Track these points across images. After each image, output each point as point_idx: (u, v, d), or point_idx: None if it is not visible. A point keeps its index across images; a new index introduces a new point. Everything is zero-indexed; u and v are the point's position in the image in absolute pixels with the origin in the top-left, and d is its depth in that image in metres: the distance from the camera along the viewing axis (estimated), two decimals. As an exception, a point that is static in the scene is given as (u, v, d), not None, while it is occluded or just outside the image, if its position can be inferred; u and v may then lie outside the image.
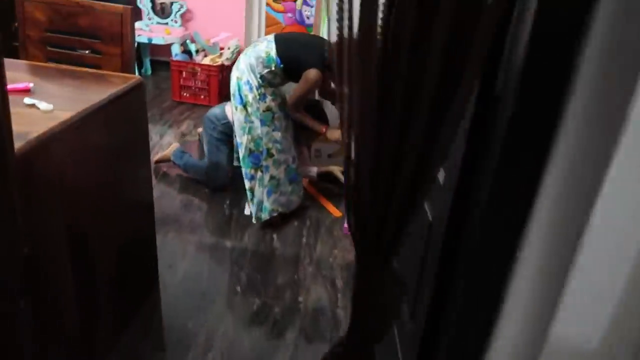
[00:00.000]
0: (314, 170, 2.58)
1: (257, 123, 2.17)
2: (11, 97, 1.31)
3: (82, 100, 1.29)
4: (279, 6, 4.24)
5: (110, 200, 1.44)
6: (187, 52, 3.90)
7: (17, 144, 1.04)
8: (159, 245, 2.04)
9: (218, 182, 2.53)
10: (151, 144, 3.01)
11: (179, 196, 2.52)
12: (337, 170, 2.59)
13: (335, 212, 2.47)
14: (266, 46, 2.16)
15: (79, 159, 1.25)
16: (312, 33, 4.03)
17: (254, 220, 2.26)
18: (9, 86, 1.33)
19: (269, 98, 2.18)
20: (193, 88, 3.68)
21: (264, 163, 2.21)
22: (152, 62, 4.29)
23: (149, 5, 3.98)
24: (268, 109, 2.18)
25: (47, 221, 1.15)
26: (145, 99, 1.58)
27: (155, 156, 2.85)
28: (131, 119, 1.52)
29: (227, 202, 2.47)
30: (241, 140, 2.21)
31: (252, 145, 2.19)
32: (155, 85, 4.08)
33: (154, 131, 3.22)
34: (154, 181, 2.63)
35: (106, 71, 1.54)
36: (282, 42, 2.18)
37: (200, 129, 3.05)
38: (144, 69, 4.25)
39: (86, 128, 1.26)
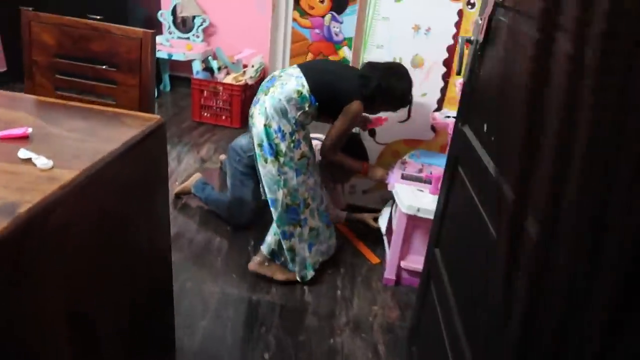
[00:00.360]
0: (342, 216, 2.32)
1: (291, 174, 1.85)
2: (5, 148, 1.07)
3: (90, 152, 1.05)
4: (306, 22, 4.02)
5: (121, 261, 1.19)
6: (208, 69, 3.69)
7: (2, 222, 0.80)
8: (175, 298, 1.79)
9: (241, 219, 2.28)
10: (169, 170, 2.79)
11: (198, 234, 2.27)
12: (369, 218, 2.31)
13: (373, 257, 2.19)
14: (296, 84, 1.84)
15: (84, 224, 1.01)
16: (351, 55, 3.80)
17: (298, 279, 1.97)
18: (4, 132, 1.10)
19: (302, 143, 1.87)
20: (214, 108, 3.45)
21: (302, 216, 1.91)
22: (172, 78, 4.09)
23: (170, 18, 3.79)
24: (303, 156, 1.87)
25: (42, 312, 0.90)
26: (166, 141, 1.34)
27: (174, 185, 2.63)
28: (149, 165, 1.27)
29: (252, 243, 2.22)
30: (275, 196, 1.87)
31: (288, 200, 1.87)
32: (174, 103, 3.87)
33: (172, 155, 2.99)
34: (172, 213, 2.40)
35: (122, 110, 1.30)
36: (313, 75, 1.87)
37: (222, 156, 2.82)
38: (162, 84, 4.05)
39: (94, 186, 1.02)
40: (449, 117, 2.08)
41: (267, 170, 1.85)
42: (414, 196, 1.85)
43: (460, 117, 1.31)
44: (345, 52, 4.06)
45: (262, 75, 3.75)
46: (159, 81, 3.99)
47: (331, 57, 4.08)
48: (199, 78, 3.44)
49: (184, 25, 3.92)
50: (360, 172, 2.07)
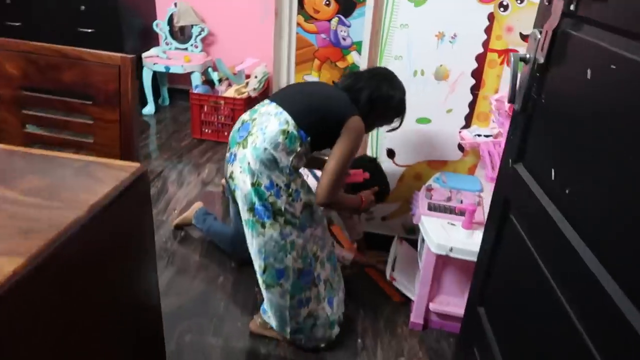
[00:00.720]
0: (349, 258, 2.03)
1: (296, 232, 1.50)
2: None
3: (46, 225, 0.81)
4: (312, 26, 3.77)
5: (97, 333, 0.96)
6: (208, 81, 3.46)
7: None
8: (172, 355, 1.57)
9: (246, 254, 1.99)
10: (167, 197, 2.57)
11: (199, 273, 2.03)
12: (378, 263, 2.04)
13: (396, 295, 1.94)
14: (278, 123, 1.46)
15: (39, 310, 0.78)
16: (361, 62, 3.53)
17: (323, 345, 1.65)
18: None
19: (301, 192, 1.51)
20: (216, 124, 3.22)
21: (315, 273, 1.59)
22: (170, 91, 3.87)
23: (167, 29, 3.56)
24: (305, 207, 1.52)
25: None
26: (149, 192, 1.11)
27: (173, 214, 2.40)
28: (127, 225, 1.04)
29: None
30: (284, 264, 1.51)
31: (299, 264, 1.54)
32: (173, 119, 3.65)
33: (171, 178, 2.76)
34: (170, 248, 2.18)
35: (94, 157, 1.06)
36: (293, 104, 1.50)
37: (224, 180, 2.60)
38: (161, 98, 3.83)
39: (48, 271, 0.78)
40: (479, 135, 1.82)
41: (267, 237, 1.49)
42: (444, 232, 1.60)
43: (512, 153, 1.06)
44: (354, 57, 3.81)
45: (267, 85, 3.52)
46: (157, 94, 3.77)
47: (339, 63, 3.84)
48: (198, 92, 3.21)
49: (182, 33, 3.69)
50: (359, 208, 1.72)
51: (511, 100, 0.99)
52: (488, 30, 1.74)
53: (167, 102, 3.85)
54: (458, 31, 1.76)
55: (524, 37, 1.73)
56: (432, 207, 1.71)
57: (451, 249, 1.55)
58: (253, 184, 1.46)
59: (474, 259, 1.54)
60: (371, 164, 1.91)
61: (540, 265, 0.92)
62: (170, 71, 3.45)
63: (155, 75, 3.59)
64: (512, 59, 0.97)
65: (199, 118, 3.21)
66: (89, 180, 0.97)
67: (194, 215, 2.24)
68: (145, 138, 3.32)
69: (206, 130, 3.25)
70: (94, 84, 1.25)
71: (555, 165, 0.86)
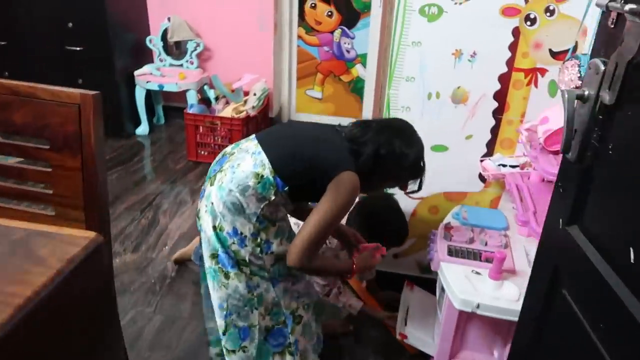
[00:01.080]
0: (356, 307, 1.74)
1: (265, 285, 1.29)
2: None
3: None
4: (313, 39, 3.57)
5: None
6: (204, 99, 3.27)
7: None
8: None
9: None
10: (158, 229, 2.37)
11: (191, 321, 1.82)
12: (386, 318, 1.79)
13: (410, 346, 1.72)
14: (253, 164, 1.22)
15: None
16: (366, 76, 3.33)
17: None
18: None
19: (275, 242, 1.27)
20: (212, 145, 3.02)
21: (291, 338, 1.34)
22: (166, 108, 3.68)
23: (160, 44, 3.37)
24: (278, 258, 1.28)
25: None
26: (110, 265, 0.90)
27: (164, 250, 2.19)
28: (77, 311, 0.83)
29: (257, 331, 1.76)
30: (249, 321, 1.29)
31: (268, 321, 1.31)
32: (168, 139, 3.45)
33: (163, 208, 2.56)
34: (161, 290, 1.97)
35: (38, 225, 0.86)
36: (276, 147, 1.26)
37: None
38: (156, 117, 3.64)
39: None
40: (504, 165, 1.61)
41: (232, 288, 1.26)
42: (468, 283, 1.38)
43: (562, 211, 0.84)
44: (359, 71, 3.60)
45: (267, 103, 3.32)
46: (152, 113, 3.58)
47: (343, 77, 3.64)
48: (193, 112, 3.01)
49: (176, 47, 3.50)
50: (350, 274, 1.42)
51: (566, 149, 0.77)
52: (513, 47, 1.53)
53: (162, 121, 3.66)
54: (478, 49, 1.54)
55: (554, 55, 1.52)
56: (453, 252, 1.49)
57: (478, 306, 1.33)
58: (214, 228, 1.24)
59: (505, 316, 1.33)
60: (386, 202, 1.69)
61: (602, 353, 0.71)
62: (164, 89, 3.26)
63: (150, 93, 3.41)
64: (565, 96, 0.76)
65: (194, 139, 3.01)
66: (26, 262, 0.76)
67: (194, 251, 2.04)
68: (139, 161, 3.12)
69: (202, 152, 3.05)
70: (51, 126, 1.05)
71: (635, 244, 0.65)
